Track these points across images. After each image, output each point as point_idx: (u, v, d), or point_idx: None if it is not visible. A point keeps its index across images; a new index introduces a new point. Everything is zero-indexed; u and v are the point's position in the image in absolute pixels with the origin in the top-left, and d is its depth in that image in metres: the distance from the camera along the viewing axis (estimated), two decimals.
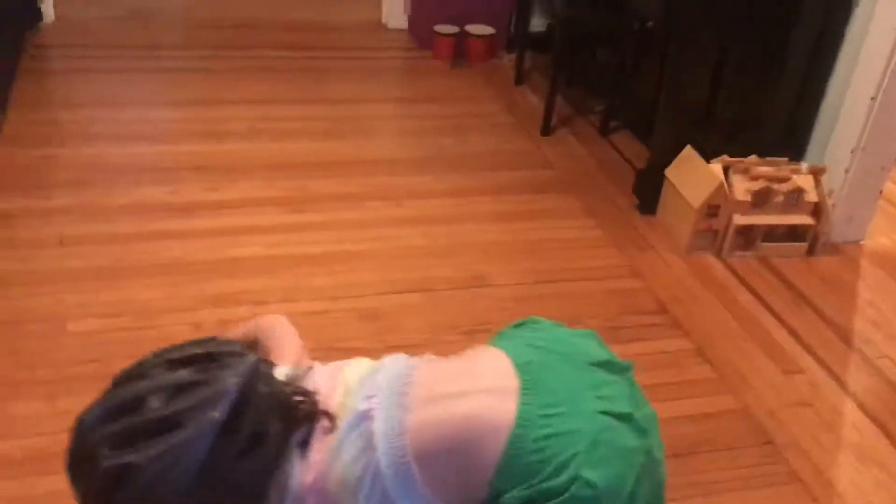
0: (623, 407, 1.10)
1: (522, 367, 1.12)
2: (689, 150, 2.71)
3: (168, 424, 0.96)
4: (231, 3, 4.40)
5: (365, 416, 1.09)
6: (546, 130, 3.32)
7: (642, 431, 1.10)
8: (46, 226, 2.48)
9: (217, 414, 0.97)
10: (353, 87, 3.63)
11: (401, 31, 4.21)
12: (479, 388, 1.10)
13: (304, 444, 1.08)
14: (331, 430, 1.08)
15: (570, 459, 1.03)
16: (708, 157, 2.65)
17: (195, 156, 2.96)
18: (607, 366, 1.16)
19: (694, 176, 2.66)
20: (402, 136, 3.30)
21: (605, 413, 1.07)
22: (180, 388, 0.99)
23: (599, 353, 1.18)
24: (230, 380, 1.01)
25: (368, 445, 1.07)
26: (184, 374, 1.01)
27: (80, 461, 0.98)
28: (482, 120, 3.43)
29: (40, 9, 3.82)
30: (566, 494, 1.02)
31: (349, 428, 1.09)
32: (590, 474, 1.03)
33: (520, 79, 3.75)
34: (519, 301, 2.33)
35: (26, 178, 2.71)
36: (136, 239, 2.47)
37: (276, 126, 3.22)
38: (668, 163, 2.75)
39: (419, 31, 4.06)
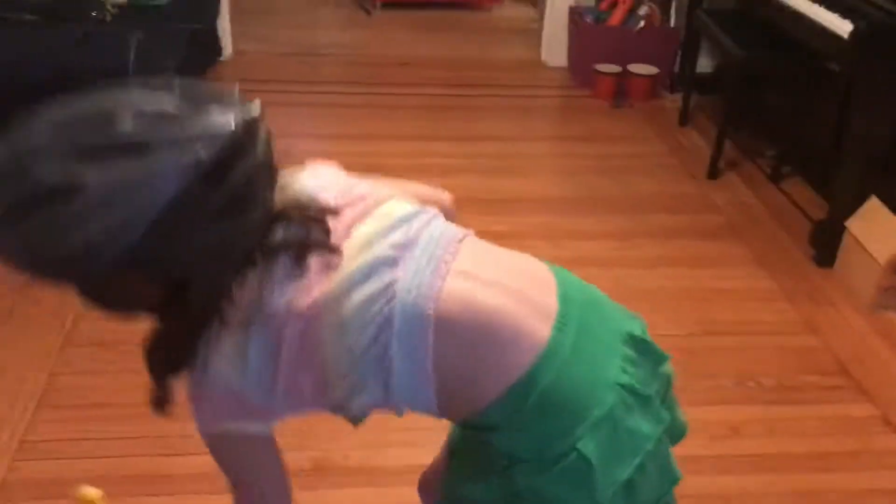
0: (646, 389, 0.98)
1: (563, 299, 0.98)
2: (873, 201, 2.53)
3: (138, 150, 0.79)
4: (393, 41, 4.52)
5: (390, 263, 0.94)
6: (713, 174, 3.19)
7: (659, 420, 0.99)
8: None
9: (203, 153, 0.80)
10: (513, 125, 3.64)
11: (560, 69, 4.19)
12: (521, 291, 0.97)
13: (299, 262, 0.92)
14: (334, 266, 0.93)
15: (574, 425, 0.92)
16: (894, 209, 2.47)
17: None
18: (643, 346, 1.02)
19: (879, 228, 2.48)
20: (562, 176, 3.26)
21: (625, 387, 0.95)
22: (161, 116, 0.82)
23: (640, 333, 1.03)
24: (227, 120, 0.83)
25: (386, 292, 0.92)
26: (169, 101, 0.83)
27: (12, 166, 0.80)
28: (644, 161, 3.35)
29: (221, 44, 4.05)
30: (557, 466, 0.92)
31: (366, 269, 0.93)
32: (588, 449, 0.91)
33: (684, 120, 3.65)
34: (685, 353, 2.23)
35: None
36: None
37: (436, 162, 3.26)
38: (849, 213, 2.58)
39: (579, 70, 4.03)
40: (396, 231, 0.98)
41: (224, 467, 1.00)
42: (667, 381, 1.05)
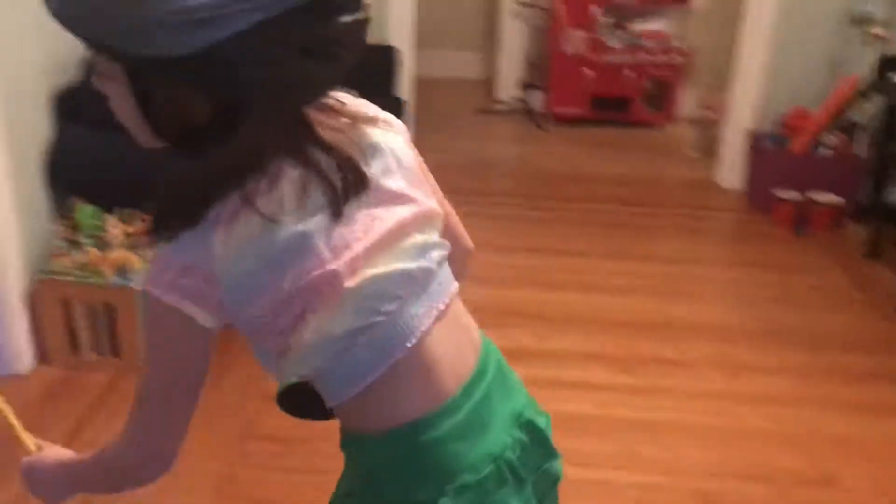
0: (525, 473, 0.99)
1: (479, 370, 1.00)
2: None
3: None
4: (566, 156, 4.60)
5: (417, 281, 0.95)
6: None
7: (529, 503, 1.01)
8: None
9: None
10: (685, 247, 3.57)
11: (736, 192, 4.11)
12: (456, 348, 0.99)
13: (336, 201, 0.90)
14: (381, 245, 0.92)
15: (444, 482, 0.93)
16: None
17: (526, 302, 3.04)
18: (539, 437, 1.03)
19: None
20: (738, 303, 3.15)
21: (506, 462, 0.97)
22: None
23: (542, 425, 1.05)
24: None
25: (396, 303, 0.92)
26: None
27: None
28: (826, 294, 3.18)
29: None
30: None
31: (403, 273, 0.93)
32: None
33: (872, 252, 3.46)
34: None
35: None
36: None
37: (605, 280, 3.23)
38: None
39: (756, 194, 3.93)
40: (434, 252, 0.99)
41: (146, 342, 0.95)
42: (552, 479, 1.07)
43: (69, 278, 2.43)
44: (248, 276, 0.88)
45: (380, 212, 0.94)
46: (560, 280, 3.23)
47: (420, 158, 1.05)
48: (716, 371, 2.64)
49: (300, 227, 0.88)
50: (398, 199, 0.96)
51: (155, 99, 0.87)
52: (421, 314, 0.95)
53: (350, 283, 0.90)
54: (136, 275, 2.43)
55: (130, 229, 2.54)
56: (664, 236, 3.68)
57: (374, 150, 0.96)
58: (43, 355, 2.54)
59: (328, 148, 0.91)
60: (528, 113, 5.13)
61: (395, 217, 0.95)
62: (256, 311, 0.91)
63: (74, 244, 2.50)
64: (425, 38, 4.66)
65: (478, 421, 0.97)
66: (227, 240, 0.87)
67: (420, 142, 4.19)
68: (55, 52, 2.63)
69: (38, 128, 2.56)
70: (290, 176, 0.89)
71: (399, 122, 1.05)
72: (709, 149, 4.45)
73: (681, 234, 3.72)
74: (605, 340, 2.80)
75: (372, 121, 1.00)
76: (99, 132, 2.59)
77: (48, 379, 2.47)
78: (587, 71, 4.82)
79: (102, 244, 2.47)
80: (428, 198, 1.01)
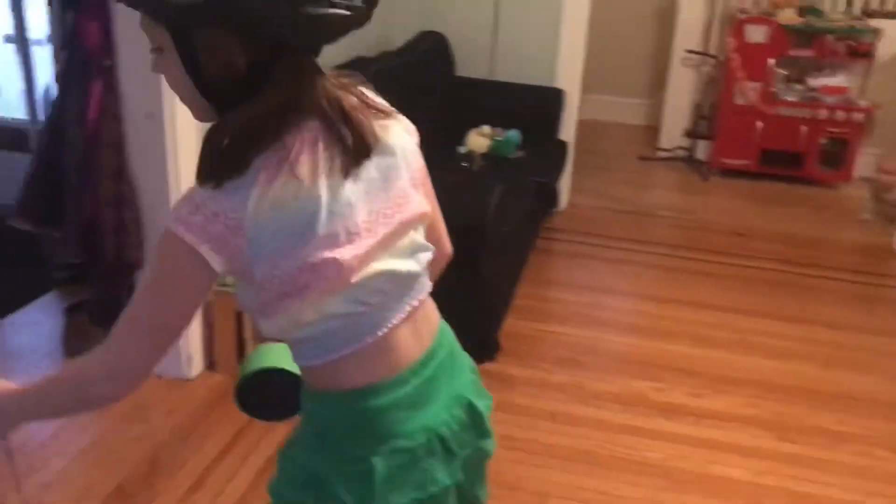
0: (458, 448, 1.12)
1: (431, 352, 1.12)
2: None
3: None
4: (728, 209, 4.45)
5: (406, 282, 1.08)
6: None
7: (454, 476, 1.11)
8: (541, 398, 2.65)
9: None
10: (855, 314, 3.37)
11: None
12: (418, 332, 1.12)
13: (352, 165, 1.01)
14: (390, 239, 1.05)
15: (379, 444, 1.05)
16: None
17: (682, 357, 2.96)
18: (476, 418, 1.16)
19: None
20: None
21: (439, 437, 1.09)
22: None
23: (482, 408, 1.17)
24: None
25: (381, 298, 1.05)
26: None
27: None
28: None
29: (557, 196, 4.26)
30: (349, 466, 1.05)
31: (395, 274, 1.06)
32: (378, 466, 1.04)
33: None
34: None
35: (529, 348, 2.95)
36: (620, 430, 2.50)
37: (767, 342, 3.09)
38: None
39: None
40: (422, 254, 1.11)
41: (151, 274, 1.01)
42: (483, 455, 1.20)
43: None
44: (273, 236, 0.96)
45: (387, 208, 1.05)
46: (717, 337, 3.12)
47: (423, 162, 1.14)
48: (887, 450, 2.47)
49: (325, 200, 0.98)
50: (402, 198, 1.06)
51: (198, 54, 0.97)
52: (397, 309, 1.08)
53: (354, 278, 1.01)
54: None
55: None
56: (832, 301, 3.49)
57: (388, 149, 1.05)
58: (211, 362, 2.70)
59: (345, 112, 1.01)
60: (691, 162, 5.02)
61: (398, 215, 1.06)
62: (269, 269, 0.98)
63: None
64: (592, 82, 4.67)
65: (421, 397, 1.09)
66: (263, 198, 0.95)
67: (579, 184, 4.23)
68: None
69: None
70: (315, 140, 0.99)
71: (411, 124, 1.14)
72: (885, 213, 4.19)
73: (851, 300, 3.52)
74: (762, 404, 2.68)
75: (388, 113, 1.09)
76: None
77: (214, 385, 2.62)
78: (758, 123, 4.67)
79: None
80: (425, 200, 1.11)
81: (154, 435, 2.34)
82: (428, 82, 3.82)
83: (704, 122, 5.00)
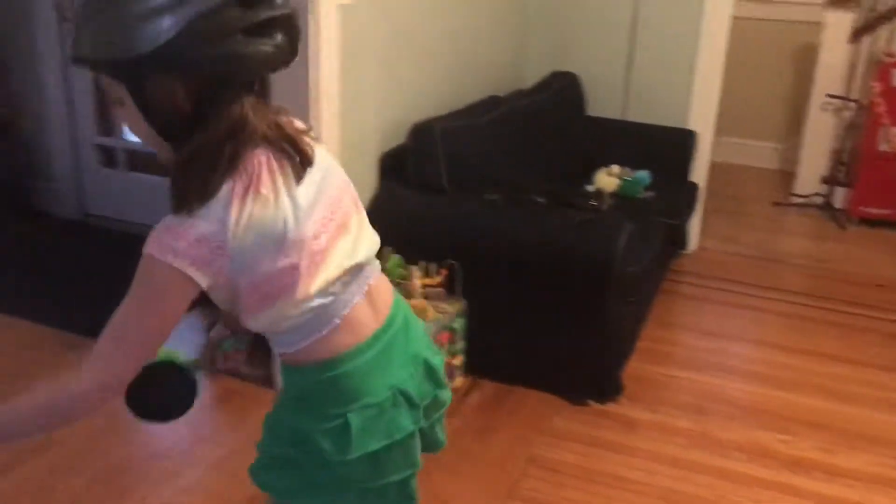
0: (419, 399, 1.32)
1: (389, 320, 1.32)
2: None
3: None
4: (868, 259, 4.26)
5: (359, 273, 1.28)
6: None
7: (417, 422, 1.32)
8: (663, 443, 2.61)
9: None
10: None
11: None
12: (376, 306, 1.31)
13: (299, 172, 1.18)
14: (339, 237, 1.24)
15: (352, 402, 1.25)
16: None
17: (813, 410, 2.85)
18: (432, 373, 1.38)
19: None
20: None
21: (401, 391, 1.29)
22: None
23: (436, 364, 1.39)
24: None
25: (340, 288, 1.24)
26: None
27: None
28: None
29: (686, 238, 4.20)
30: (328, 423, 1.24)
31: (354, 267, 1.26)
32: (353, 421, 1.23)
33: None
34: None
35: (652, 392, 2.91)
36: (745, 481, 2.44)
37: None
38: None
39: None
40: (369, 244, 1.31)
41: (136, 295, 1.13)
42: (440, 403, 1.42)
43: None
44: (252, 250, 1.12)
45: (331, 210, 1.22)
46: (852, 391, 2.98)
47: (344, 173, 1.32)
48: None
49: (290, 209, 1.15)
50: (338, 201, 1.25)
51: (150, 100, 1.12)
52: (356, 292, 1.27)
53: (325, 272, 1.20)
54: (427, 323, 2.62)
55: (429, 281, 2.75)
56: None
57: (319, 160, 1.23)
58: None
59: (284, 132, 1.19)
60: (828, 209, 4.83)
61: (339, 215, 1.24)
62: (251, 278, 1.14)
63: None
64: (726, 124, 4.60)
65: (383, 360, 1.29)
66: (239, 219, 1.10)
67: (710, 227, 4.17)
68: (386, 118, 2.95)
69: (367, 183, 2.88)
70: (268, 159, 1.15)
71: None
72: None
73: None
74: None
75: (310, 134, 1.25)
76: (416, 191, 2.87)
77: None
78: None
79: (405, 292, 2.70)
80: (355, 202, 1.30)
81: None
82: (559, 121, 3.87)
83: (843, 169, 4.82)
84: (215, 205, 1.09)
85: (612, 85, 4.11)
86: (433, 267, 2.77)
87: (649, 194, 3.64)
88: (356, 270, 1.26)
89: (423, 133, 2.91)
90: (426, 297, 2.71)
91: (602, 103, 4.14)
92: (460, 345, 2.81)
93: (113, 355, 1.14)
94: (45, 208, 4.31)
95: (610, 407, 2.79)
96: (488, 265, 2.74)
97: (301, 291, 1.18)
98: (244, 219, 1.10)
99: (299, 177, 1.18)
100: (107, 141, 4.23)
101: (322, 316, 1.23)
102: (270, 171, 1.15)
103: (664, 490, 2.38)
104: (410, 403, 1.30)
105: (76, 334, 3.08)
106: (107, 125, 4.21)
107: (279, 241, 1.14)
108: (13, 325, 3.19)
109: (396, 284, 2.70)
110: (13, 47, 4.05)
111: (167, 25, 1.05)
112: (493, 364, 2.89)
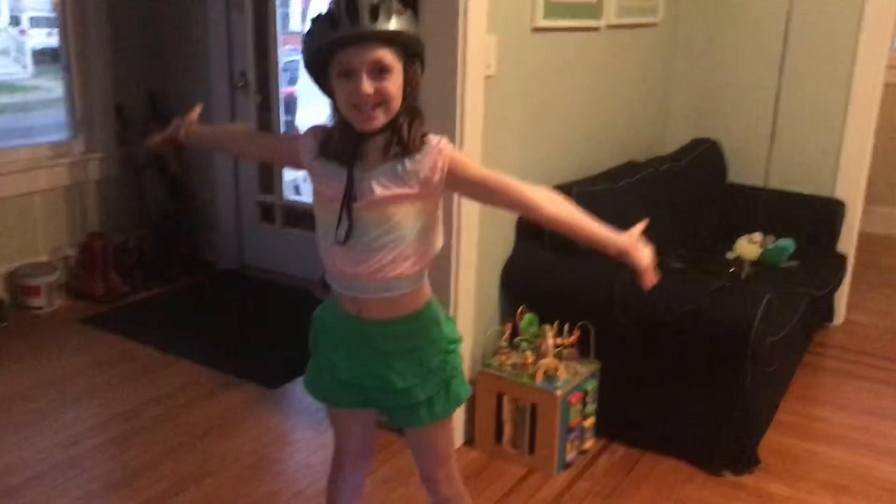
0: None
1: None
2: None
3: None
4: None
5: None
6: None
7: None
8: None
9: None
10: None
11: None
12: None
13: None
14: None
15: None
16: None
17: None
18: None
19: None
20: None
21: None
22: None
23: None
24: None
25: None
26: None
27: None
28: None
29: (832, 311, 4.04)
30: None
31: None
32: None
33: None
34: None
35: (790, 466, 2.82)
36: None
37: None
38: None
39: None
40: None
41: None
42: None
43: (504, 375, 2.75)
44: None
45: None
46: None
47: None
48: None
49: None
50: None
51: (412, 75, 1.59)
52: None
53: None
54: (559, 383, 2.67)
55: (561, 340, 2.80)
56: None
57: None
58: (470, 438, 2.88)
59: None
60: None
61: None
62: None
63: (514, 346, 2.83)
64: (878, 192, 4.44)
65: None
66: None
67: (859, 300, 4.02)
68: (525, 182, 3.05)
69: (504, 244, 2.99)
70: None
71: None
72: None
73: None
74: None
75: None
76: (551, 252, 2.94)
77: (471, 460, 2.79)
78: None
79: (537, 350, 2.77)
80: None
81: (414, 499, 2.54)
82: (699, 187, 3.85)
83: None
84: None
85: (755, 152, 4.06)
86: (566, 327, 2.82)
87: (793, 264, 3.55)
88: None
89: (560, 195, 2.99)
90: (559, 356, 2.76)
91: (744, 170, 4.10)
92: (592, 406, 2.83)
93: None
94: (208, 259, 4.68)
95: (745, 479, 2.72)
96: (622, 328, 2.76)
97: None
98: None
99: None
100: (267, 198, 4.57)
101: None
102: None
103: None
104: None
105: (228, 374, 3.34)
106: (267, 182, 4.55)
107: None
108: (174, 363, 3.48)
109: (530, 343, 2.79)
110: (188, 109, 4.47)
111: None
112: (626, 427, 2.88)
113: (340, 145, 1.60)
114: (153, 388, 3.26)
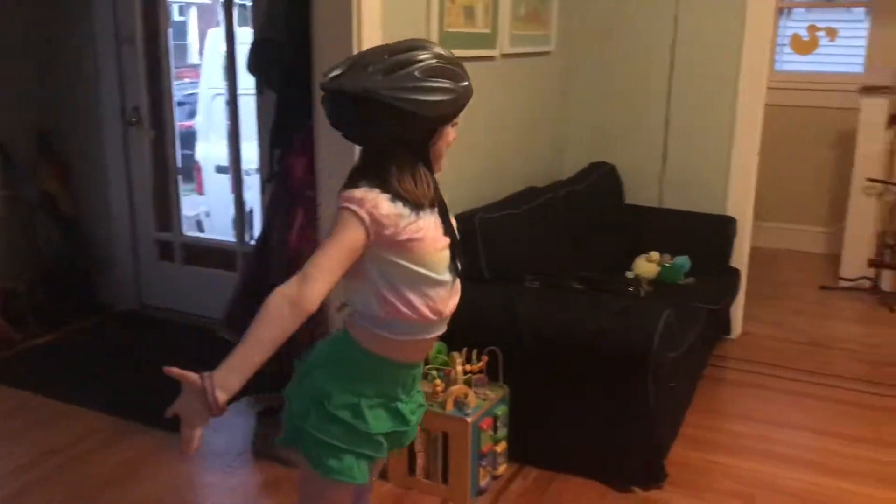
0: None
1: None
2: None
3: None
4: None
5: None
6: None
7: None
8: None
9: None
10: None
11: None
12: None
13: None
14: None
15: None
16: None
17: (868, 499, 2.78)
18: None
19: None
20: None
21: None
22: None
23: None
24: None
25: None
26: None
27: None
28: None
29: (729, 324, 4.19)
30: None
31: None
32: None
33: None
34: None
35: (697, 479, 2.88)
36: None
37: None
38: None
39: None
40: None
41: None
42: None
43: None
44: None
45: None
46: None
47: None
48: None
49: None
50: None
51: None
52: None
53: None
54: (469, 409, 2.67)
55: (469, 367, 2.80)
56: None
57: None
58: (382, 471, 2.84)
59: None
60: (877, 293, 4.79)
61: None
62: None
63: (424, 376, 2.81)
64: (767, 209, 4.64)
65: None
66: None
67: (754, 313, 4.16)
68: None
69: None
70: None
71: None
72: None
73: None
74: None
75: None
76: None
77: (385, 493, 2.75)
78: None
79: (447, 378, 2.76)
80: None
81: None
82: (597, 209, 3.96)
83: (889, 252, 4.80)
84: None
85: (648, 174, 4.21)
86: (474, 353, 2.83)
87: (689, 280, 3.67)
88: None
89: (462, 223, 3.00)
90: (468, 383, 2.76)
91: (640, 192, 4.23)
92: (503, 431, 2.84)
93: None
94: (106, 301, 4.50)
95: (654, 494, 2.77)
96: (529, 352, 2.79)
97: None
98: None
99: None
100: (164, 236, 4.44)
101: None
102: None
103: None
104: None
105: (129, 420, 3.21)
106: (164, 220, 4.43)
107: None
108: (73, 412, 3.32)
109: (439, 371, 2.78)
110: (79, 149, 4.33)
111: None
112: (536, 450, 2.90)
113: (428, 189, 1.63)
114: (51, 439, 3.10)
